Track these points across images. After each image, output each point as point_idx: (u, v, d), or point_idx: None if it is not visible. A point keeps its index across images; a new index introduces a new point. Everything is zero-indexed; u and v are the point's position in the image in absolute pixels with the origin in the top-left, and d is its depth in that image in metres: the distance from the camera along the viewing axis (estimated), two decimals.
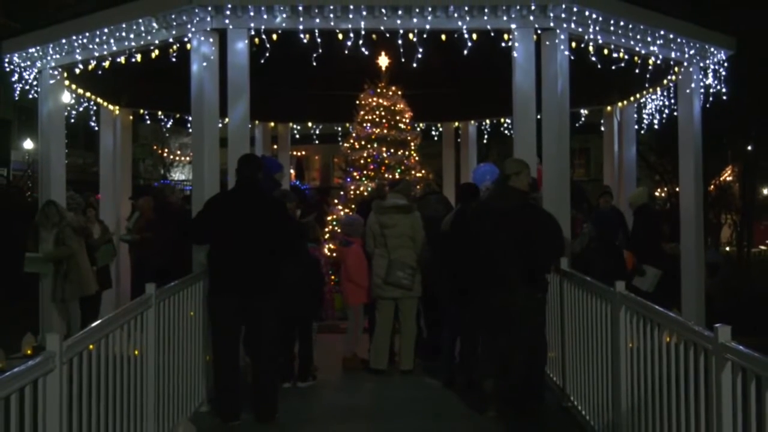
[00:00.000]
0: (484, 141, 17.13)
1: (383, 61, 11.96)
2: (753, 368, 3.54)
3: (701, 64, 10.97)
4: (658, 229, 11.46)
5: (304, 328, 8.11)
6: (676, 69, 10.99)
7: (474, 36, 8.97)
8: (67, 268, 10.21)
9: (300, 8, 8.70)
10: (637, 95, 12.96)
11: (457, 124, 16.12)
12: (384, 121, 12.07)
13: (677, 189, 14.67)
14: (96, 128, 13.31)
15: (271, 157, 12.85)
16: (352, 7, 8.72)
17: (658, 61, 10.28)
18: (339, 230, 10.58)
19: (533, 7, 8.79)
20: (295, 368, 8.05)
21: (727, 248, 28.87)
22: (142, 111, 14.12)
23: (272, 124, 16.02)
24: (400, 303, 8.55)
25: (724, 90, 11.24)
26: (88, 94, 12.17)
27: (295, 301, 7.73)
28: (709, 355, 3.99)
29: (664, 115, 12.31)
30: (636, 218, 11.39)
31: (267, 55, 8.91)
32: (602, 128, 14.34)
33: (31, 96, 11.23)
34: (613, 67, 9.99)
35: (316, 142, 17.64)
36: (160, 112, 14.22)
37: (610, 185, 13.43)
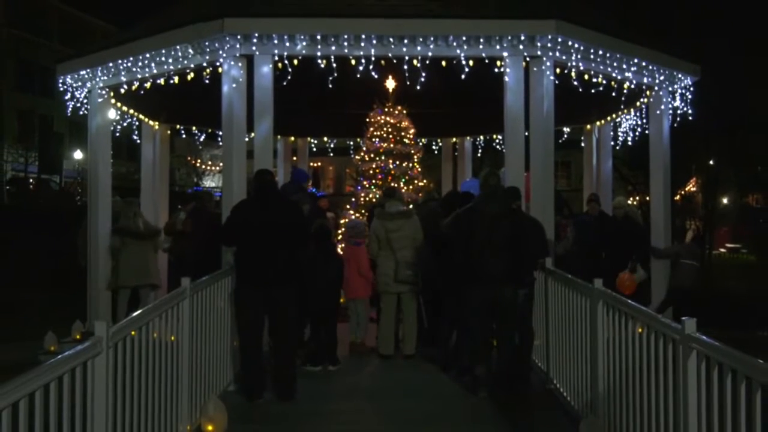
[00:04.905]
0: (478, 155, 17.12)
1: (390, 83, 11.95)
2: (715, 356, 3.53)
3: (670, 89, 10.94)
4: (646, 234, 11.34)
5: (329, 319, 8.13)
6: (647, 92, 10.97)
7: (470, 62, 8.99)
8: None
9: (318, 37, 8.72)
10: (613, 115, 12.94)
11: (454, 139, 16.09)
12: (391, 136, 12.06)
13: (647, 198, 14.63)
14: (138, 141, 13.32)
15: (300, 169, 12.87)
16: (363, 36, 8.74)
17: (632, 86, 10.25)
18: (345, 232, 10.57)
19: (523, 38, 8.80)
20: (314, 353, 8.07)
21: None
22: (178, 126, 14.11)
23: (292, 138, 16.01)
24: (403, 296, 8.56)
25: (689, 111, 11.22)
26: (131, 111, 12.19)
27: (323, 295, 7.83)
28: (677, 345, 3.98)
29: (637, 133, 12.28)
30: (626, 224, 11.14)
31: (289, 77, 8.94)
32: (582, 144, 14.30)
33: (81, 112, 11.23)
34: (593, 91, 9.99)
35: (331, 154, 17.63)
36: (194, 127, 14.22)
37: (588, 195, 13.40)
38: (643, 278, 10.64)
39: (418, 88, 9.35)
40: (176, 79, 9.72)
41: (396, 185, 11.25)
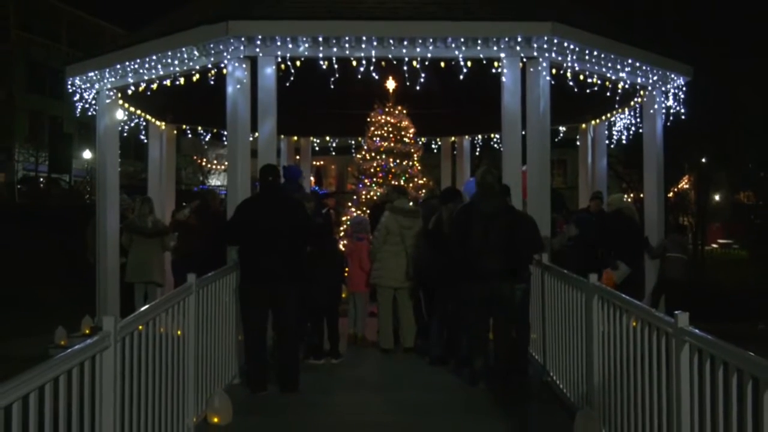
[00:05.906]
0: (477, 153, 17.13)
1: (391, 84, 11.95)
2: (708, 349, 3.53)
3: (663, 89, 10.93)
4: (638, 231, 11.26)
5: (331, 313, 8.13)
6: (641, 92, 10.96)
7: (469, 63, 8.98)
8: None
9: (320, 39, 8.72)
10: (608, 115, 12.92)
11: (453, 138, 16.10)
12: (391, 135, 12.07)
13: (642, 195, 14.62)
14: (145, 141, 13.33)
15: (293, 166, 12.87)
16: (364, 38, 8.73)
17: (626, 86, 10.24)
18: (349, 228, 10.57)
19: (519, 39, 8.78)
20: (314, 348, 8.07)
21: None
22: (184, 126, 14.12)
23: (295, 137, 16.04)
24: (400, 291, 8.55)
25: (682, 111, 11.21)
26: (138, 111, 12.20)
27: (325, 290, 7.83)
28: (670, 338, 3.98)
29: (631, 132, 12.28)
30: (614, 220, 11.08)
31: (292, 78, 8.93)
32: (578, 143, 14.29)
33: (90, 113, 11.24)
34: (588, 91, 9.98)
35: (333, 153, 17.67)
36: (199, 127, 14.24)
37: (584, 193, 13.40)
38: (625, 275, 10.57)
39: (418, 88, 9.34)
40: (182, 80, 9.72)
41: (398, 184, 11.25)
